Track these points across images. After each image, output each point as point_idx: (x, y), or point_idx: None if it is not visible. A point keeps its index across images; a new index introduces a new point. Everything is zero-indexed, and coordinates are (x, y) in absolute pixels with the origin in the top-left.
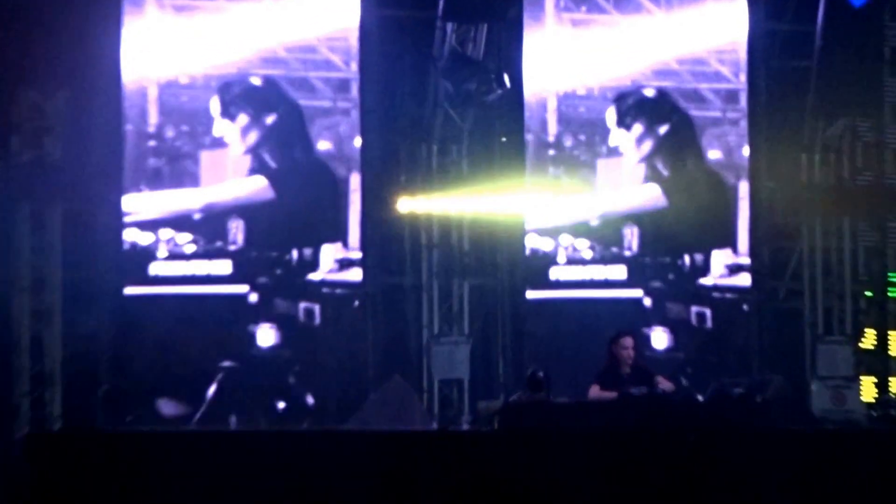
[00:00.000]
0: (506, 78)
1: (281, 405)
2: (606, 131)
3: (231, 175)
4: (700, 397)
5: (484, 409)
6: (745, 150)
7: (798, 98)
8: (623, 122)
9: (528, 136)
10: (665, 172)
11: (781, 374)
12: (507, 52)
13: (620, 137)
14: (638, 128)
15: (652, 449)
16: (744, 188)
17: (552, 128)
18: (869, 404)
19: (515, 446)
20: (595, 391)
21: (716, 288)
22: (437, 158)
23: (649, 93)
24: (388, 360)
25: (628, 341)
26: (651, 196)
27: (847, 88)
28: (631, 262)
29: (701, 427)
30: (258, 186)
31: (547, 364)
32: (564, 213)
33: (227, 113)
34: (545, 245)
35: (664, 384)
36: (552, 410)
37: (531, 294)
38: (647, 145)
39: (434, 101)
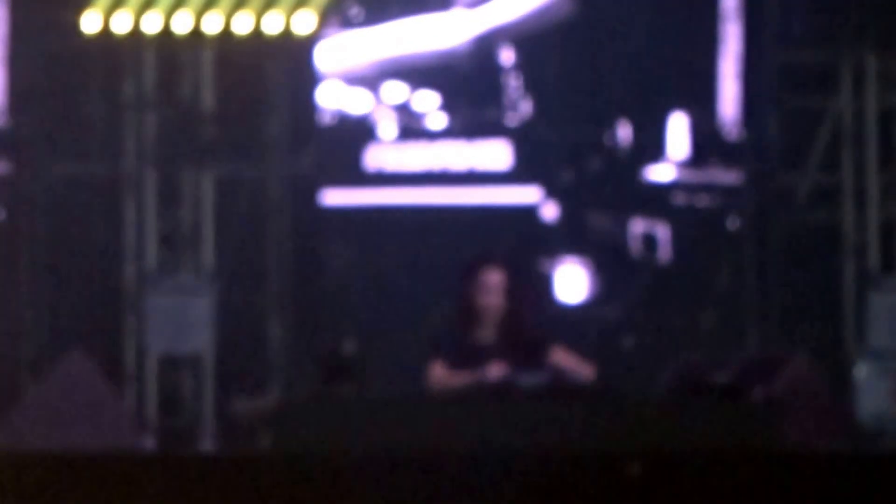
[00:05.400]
0: None
1: None
2: None
3: None
4: (650, 390)
5: (245, 412)
6: None
7: None
8: None
9: None
10: None
11: (802, 348)
12: None
13: None
14: None
15: (558, 487)
16: None
17: None
18: None
19: (302, 480)
20: (439, 373)
21: (678, 185)
22: None
23: None
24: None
25: (492, 276)
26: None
27: None
28: (518, 135)
29: (653, 447)
30: None
31: (360, 328)
32: (387, 38)
33: None
34: (354, 103)
35: (570, 364)
36: (369, 413)
37: (331, 197)
38: None
39: None
